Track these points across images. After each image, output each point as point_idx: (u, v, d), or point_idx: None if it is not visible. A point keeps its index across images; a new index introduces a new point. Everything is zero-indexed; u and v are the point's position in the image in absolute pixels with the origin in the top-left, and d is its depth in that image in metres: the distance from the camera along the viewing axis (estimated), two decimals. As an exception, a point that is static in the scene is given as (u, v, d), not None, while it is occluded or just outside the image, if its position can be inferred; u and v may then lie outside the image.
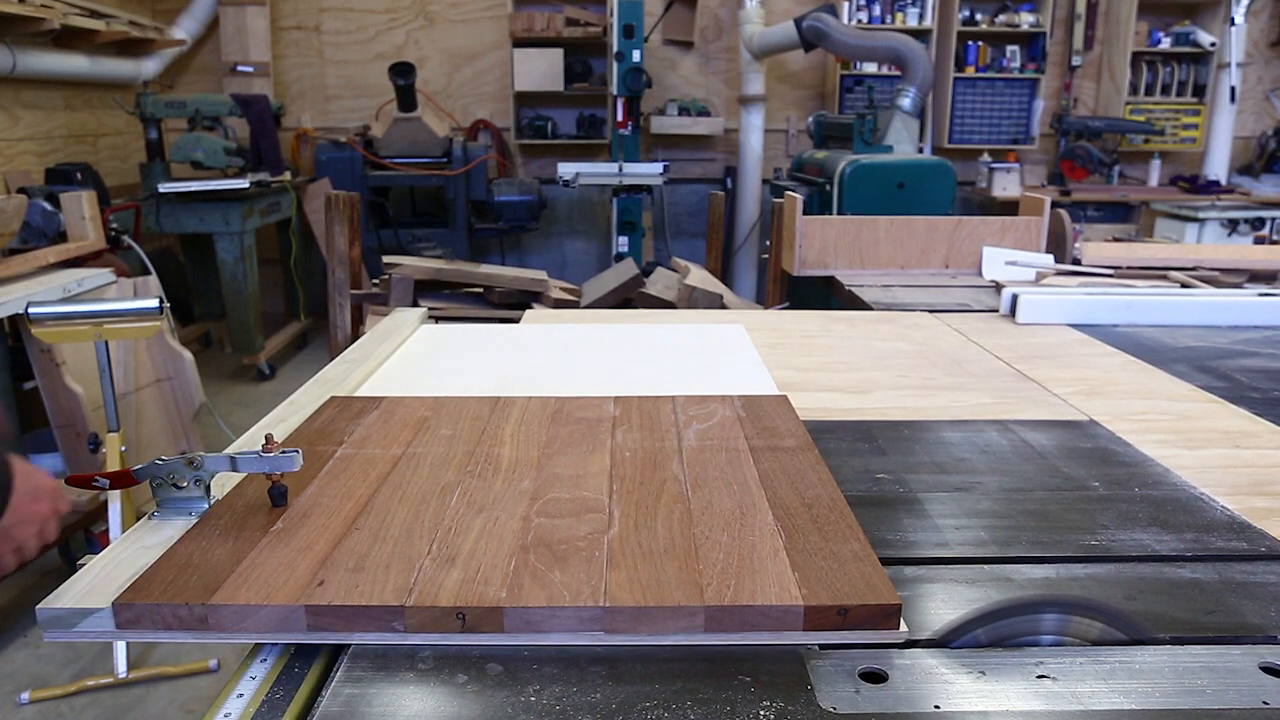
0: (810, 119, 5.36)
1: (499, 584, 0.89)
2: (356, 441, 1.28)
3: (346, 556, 0.95)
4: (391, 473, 1.17)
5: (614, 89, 5.39)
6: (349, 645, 0.87)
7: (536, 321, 2.22)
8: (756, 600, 0.86)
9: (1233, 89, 5.83)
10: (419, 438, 1.30)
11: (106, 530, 2.77)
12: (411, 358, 1.82)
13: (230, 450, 1.21)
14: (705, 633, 0.86)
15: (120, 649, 2.64)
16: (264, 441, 1.04)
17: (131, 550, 0.98)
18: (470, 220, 5.83)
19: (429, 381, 1.65)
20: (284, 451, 1.04)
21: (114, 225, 3.97)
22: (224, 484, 1.13)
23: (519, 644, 0.86)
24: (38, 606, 0.88)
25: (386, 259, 3.11)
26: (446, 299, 3.04)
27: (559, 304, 3.07)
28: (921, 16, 6.07)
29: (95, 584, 0.91)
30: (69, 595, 0.89)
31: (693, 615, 0.86)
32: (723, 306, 3.14)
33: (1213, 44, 6.15)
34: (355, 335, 3.12)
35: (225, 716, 0.80)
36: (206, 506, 1.06)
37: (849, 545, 0.98)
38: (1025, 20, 6.16)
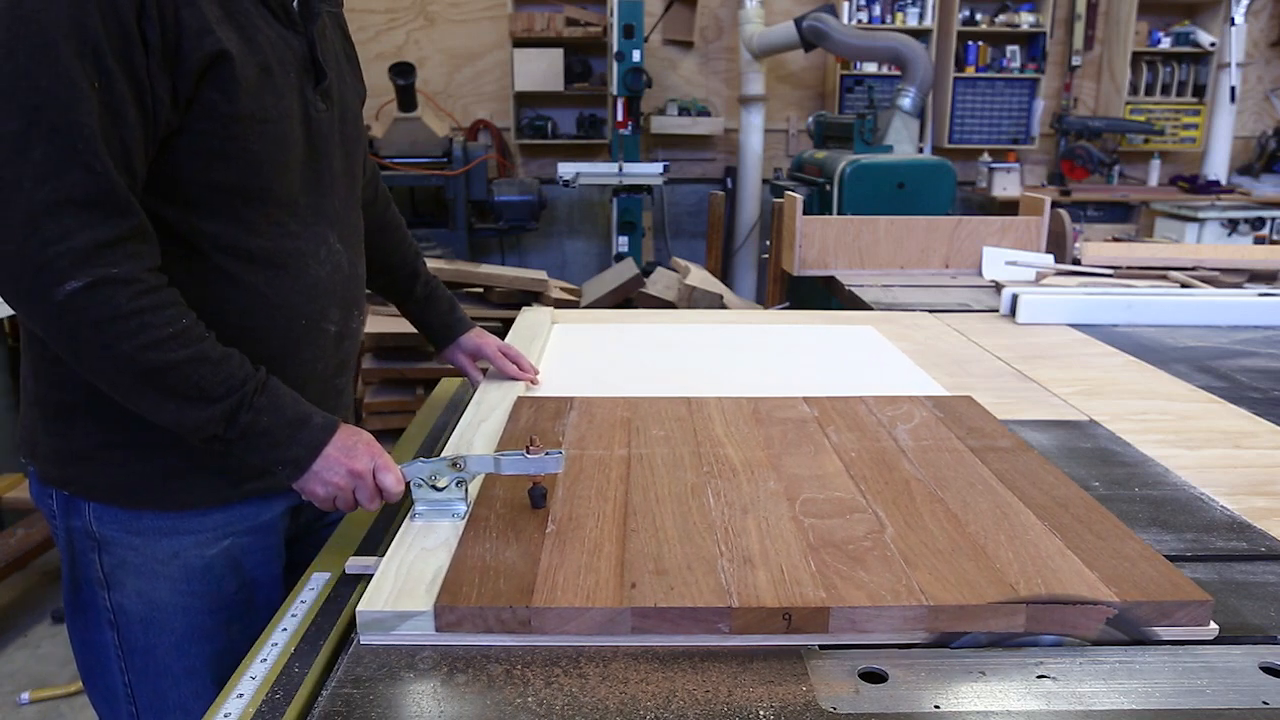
0: (810, 119, 5.36)
1: (811, 584, 0.90)
2: (574, 442, 1.29)
3: (641, 558, 0.95)
4: (630, 473, 1.17)
5: (614, 89, 5.38)
6: (349, 645, 0.87)
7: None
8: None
9: (1233, 89, 5.82)
10: (634, 438, 1.30)
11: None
12: (557, 357, 1.80)
13: (450, 451, 1.23)
14: (1024, 631, 0.87)
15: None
16: (528, 442, 1.04)
17: (414, 553, 0.98)
18: (470, 220, 5.82)
19: (590, 380, 1.64)
20: (548, 453, 1.03)
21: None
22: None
23: (836, 644, 0.87)
24: (357, 609, 0.87)
25: (386, 259, 3.10)
26: (446, 299, 3.04)
27: (559, 304, 3.07)
28: (921, 16, 6.06)
29: (401, 588, 0.90)
30: (382, 598, 0.88)
31: (1014, 613, 0.87)
32: (723, 306, 3.14)
33: (1213, 44, 6.14)
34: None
35: (225, 716, 0.80)
36: (465, 508, 1.06)
37: (1128, 545, 0.99)
38: (1025, 20, 6.15)
